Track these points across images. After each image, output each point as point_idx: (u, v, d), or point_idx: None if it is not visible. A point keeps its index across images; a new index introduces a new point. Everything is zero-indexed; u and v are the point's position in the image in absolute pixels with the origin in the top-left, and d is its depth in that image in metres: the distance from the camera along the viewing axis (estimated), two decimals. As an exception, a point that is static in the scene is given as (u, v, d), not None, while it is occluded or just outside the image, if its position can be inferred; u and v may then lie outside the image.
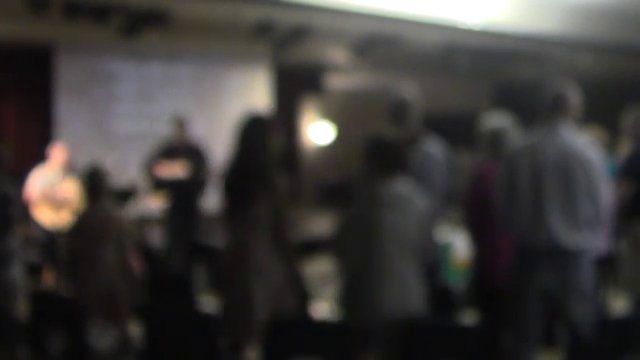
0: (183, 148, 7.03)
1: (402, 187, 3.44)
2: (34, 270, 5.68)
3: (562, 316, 3.53)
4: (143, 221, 7.85)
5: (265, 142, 3.69)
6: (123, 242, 4.42)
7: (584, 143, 3.55)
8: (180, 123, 7.16)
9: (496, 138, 4.08)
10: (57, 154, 6.72)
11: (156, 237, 7.82)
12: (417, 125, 4.30)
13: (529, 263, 3.48)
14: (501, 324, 3.61)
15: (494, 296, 3.90)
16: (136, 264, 4.55)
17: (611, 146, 5.12)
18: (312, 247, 6.94)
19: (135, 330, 4.21)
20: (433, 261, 3.53)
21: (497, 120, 4.17)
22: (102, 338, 4.21)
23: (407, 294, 3.35)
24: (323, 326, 3.37)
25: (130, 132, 9.12)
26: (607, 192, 3.53)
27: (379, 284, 3.33)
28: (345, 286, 3.49)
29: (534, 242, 3.46)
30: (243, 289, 3.62)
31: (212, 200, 7.41)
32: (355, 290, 3.41)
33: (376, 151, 3.51)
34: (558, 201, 3.43)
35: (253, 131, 3.71)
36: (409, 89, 4.33)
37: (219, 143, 8.15)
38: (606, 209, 3.51)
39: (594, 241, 3.50)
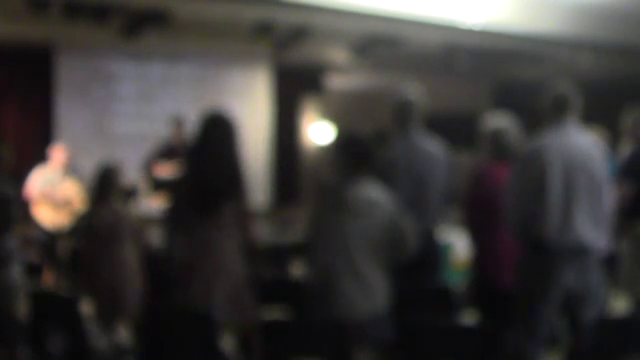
0: (182, 148, 7.02)
1: (370, 191, 3.46)
2: (34, 270, 5.67)
3: (571, 316, 3.51)
4: (143, 221, 7.84)
5: (233, 144, 3.67)
6: (138, 241, 4.44)
7: (592, 142, 3.57)
8: (178, 123, 7.16)
9: (498, 138, 4.07)
10: (57, 154, 6.73)
11: (156, 237, 7.81)
12: (420, 125, 4.30)
13: (554, 264, 3.45)
14: (502, 324, 3.60)
15: (494, 296, 3.89)
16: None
17: (611, 146, 5.12)
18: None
19: (135, 330, 4.20)
20: (413, 256, 3.54)
21: (499, 120, 4.16)
22: (102, 338, 4.21)
23: (370, 296, 3.40)
24: (323, 326, 3.37)
25: (130, 132, 9.11)
26: (609, 192, 3.54)
27: (342, 286, 3.39)
28: (313, 287, 3.52)
29: (562, 242, 3.43)
30: (202, 288, 3.61)
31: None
32: (321, 291, 3.45)
33: (347, 148, 3.54)
34: (585, 201, 3.43)
35: (218, 132, 3.66)
36: (414, 90, 4.33)
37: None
38: (608, 209, 3.52)
39: (603, 240, 3.52)
